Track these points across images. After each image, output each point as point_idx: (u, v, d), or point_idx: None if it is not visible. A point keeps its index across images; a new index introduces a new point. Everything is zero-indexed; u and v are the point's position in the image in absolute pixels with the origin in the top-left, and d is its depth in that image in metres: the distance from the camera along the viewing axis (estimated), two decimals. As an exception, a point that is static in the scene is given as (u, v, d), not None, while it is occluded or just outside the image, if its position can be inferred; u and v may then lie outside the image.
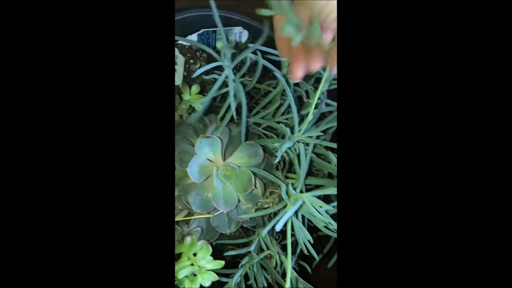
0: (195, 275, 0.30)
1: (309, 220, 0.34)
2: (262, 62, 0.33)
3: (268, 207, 0.32)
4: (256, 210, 0.34)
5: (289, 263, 0.27)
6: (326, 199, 0.36)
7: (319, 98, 0.35)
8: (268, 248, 0.36)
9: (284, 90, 0.37)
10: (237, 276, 0.34)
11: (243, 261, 0.36)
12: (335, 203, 0.30)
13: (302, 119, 0.35)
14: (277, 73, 0.30)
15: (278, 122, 0.35)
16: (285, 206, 0.31)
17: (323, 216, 0.27)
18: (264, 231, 0.27)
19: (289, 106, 0.39)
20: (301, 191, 0.31)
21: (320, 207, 0.27)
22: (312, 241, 0.28)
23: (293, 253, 0.37)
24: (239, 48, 0.46)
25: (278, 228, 0.26)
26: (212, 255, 0.32)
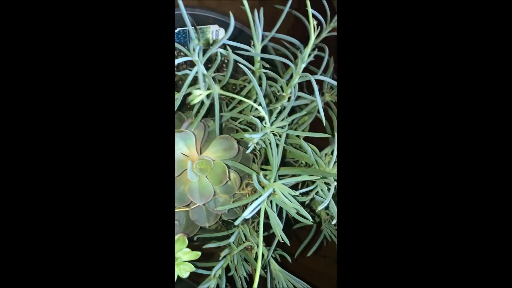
0: (173, 267, 0.31)
1: (287, 212, 0.35)
2: (233, 57, 0.34)
3: (244, 198, 0.33)
4: (233, 202, 0.34)
5: (260, 248, 0.28)
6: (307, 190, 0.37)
7: (290, 92, 0.36)
8: (247, 240, 0.37)
9: (258, 82, 0.38)
10: (217, 268, 0.35)
11: (223, 253, 0.36)
12: (305, 189, 0.31)
13: (280, 112, 0.36)
14: (245, 68, 0.31)
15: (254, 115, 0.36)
16: (259, 196, 0.32)
17: (293, 203, 0.28)
18: (238, 221, 0.28)
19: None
20: (275, 181, 0.31)
21: (291, 194, 0.28)
22: (281, 226, 0.29)
23: (270, 244, 0.38)
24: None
25: (246, 215, 0.27)
26: (193, 249, 0.33)
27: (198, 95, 0.24)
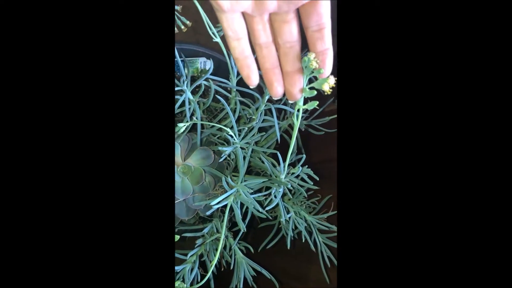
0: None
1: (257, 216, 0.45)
2: (214, 87, 0.44)
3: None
4: (208, 199, 0.44)
5: (223, 232, 0.37)
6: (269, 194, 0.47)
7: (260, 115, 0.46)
8: (218, 232, 0.46)
9: (234, 107, 0.48)
10: (193, 253, 0.44)
11: (198, 242, 0.45)
12: (262, 193, 0.41)
13: (250, 130, 0.46)
14: (221, 98, 0.41)
15: (227, 133, 0.46)
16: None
17: (250, 199, 0.37)
18: (208, 212, 0.37)
19: (238, 120, 0.50)
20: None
21: (250, 194, 0.38)
22: (240, 217, 0.38)
23: (235, 237, 0.47)
24: (203, 74, 0.57)
25: (212, 203, 0.36)
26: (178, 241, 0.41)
27: (182, 126, 0.33)
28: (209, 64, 0.59)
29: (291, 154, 0.52)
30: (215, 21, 0.48)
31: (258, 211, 0.38)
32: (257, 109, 0.47)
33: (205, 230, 0.45)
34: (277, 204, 0.39)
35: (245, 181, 0.42)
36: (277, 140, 0.51)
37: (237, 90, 0.46)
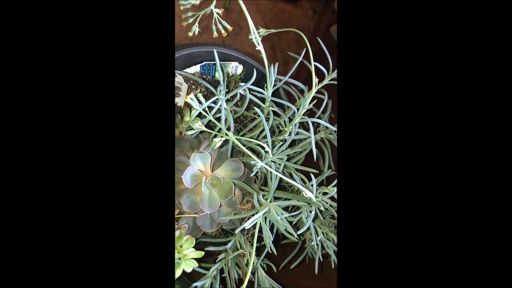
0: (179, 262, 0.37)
1: (277, 229, 0.42)
2: (250, 96, 0.42)
3: (243, 212, 0.40)
4: (234, 214, 0.41)
5: (252, 256, 0.34)
6: (293, 210, 0.44)
7: (291, 128, 0.43)
8: (241, 248, 0.44)
9: (266, 117, 0.46)
10: (214, 268, 0.41)
11: (220, 257, 0.43)
12: (294, 213, 0.38)
13: (283, 143, 0.44)
14: (257, 109, 0.38)
15: (259, 145, 0.44)
16: (257, 212, 0.39)
17: (283, 221, 0.35)
18: (238, 229, 0.35)
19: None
20: (270, 201, 0.38)
21: (282, 214, 0.35)
22: (272, 238, 0.36)
23: (260, 254, 0.45)
24: (234, 79, 0.55)
25: (246, 226, 0.34)
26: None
27: (218, 141, 0.31)
28: (241, 69, 0.57)
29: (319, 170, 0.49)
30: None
31: (290, 233, 0.35)
32: (290, 120, 0.44)
33: (228, 245, 0.43)
34: (308, 227, 0.37)
35: (274, 198, 0.40)
36: (305, 155, 0.48)
37: (271, 100, 0.44)
